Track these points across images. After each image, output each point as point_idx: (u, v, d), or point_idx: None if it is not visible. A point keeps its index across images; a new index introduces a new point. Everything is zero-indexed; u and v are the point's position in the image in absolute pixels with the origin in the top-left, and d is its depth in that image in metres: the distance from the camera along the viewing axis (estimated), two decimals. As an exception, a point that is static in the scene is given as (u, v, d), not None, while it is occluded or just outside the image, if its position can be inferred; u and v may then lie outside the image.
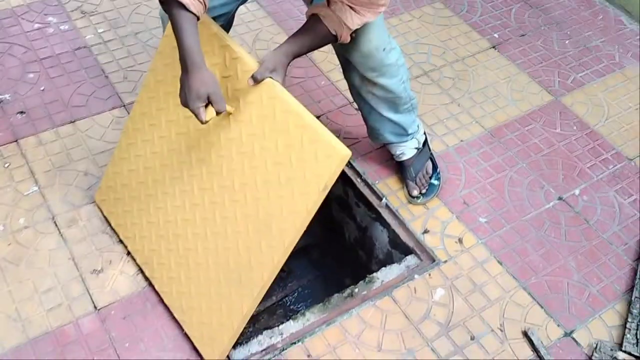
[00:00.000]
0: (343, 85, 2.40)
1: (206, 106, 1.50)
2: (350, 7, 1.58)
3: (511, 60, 2.60)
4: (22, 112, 2.18)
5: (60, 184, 2.00)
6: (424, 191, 2.06)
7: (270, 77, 1.55)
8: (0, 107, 2.19)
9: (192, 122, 1.67)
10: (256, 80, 1.54)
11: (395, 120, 1.97)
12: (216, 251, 1.65)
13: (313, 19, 1.64)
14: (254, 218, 1.58)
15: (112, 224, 1.90)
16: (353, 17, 1.60)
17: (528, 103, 2.43)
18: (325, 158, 1.45)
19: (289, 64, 1.61)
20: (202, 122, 1.51)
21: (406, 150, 2.07)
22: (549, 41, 2.70)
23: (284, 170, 1.52)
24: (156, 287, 1.78)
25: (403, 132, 2.02)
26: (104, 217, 1.93)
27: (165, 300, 1.75)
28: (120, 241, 1.87)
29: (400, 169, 2.11)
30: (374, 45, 1.75)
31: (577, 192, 2.15)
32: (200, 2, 1.49)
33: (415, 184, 2.06)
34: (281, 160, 1.53)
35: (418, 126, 2.07)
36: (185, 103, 1.50)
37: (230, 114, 1.60)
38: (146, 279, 1.80)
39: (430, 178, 2.08)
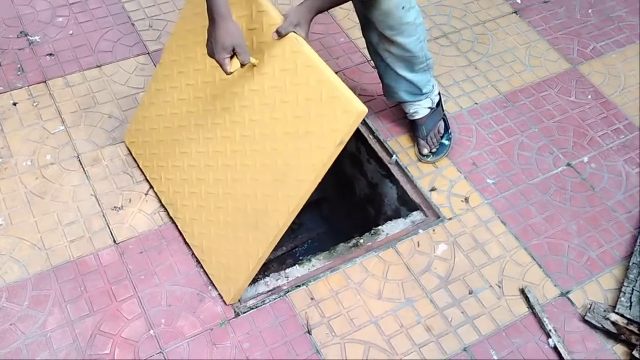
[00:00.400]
0: (361, 43, 2.44)
1: (231, 57, 1.56)
2: None
3: (532, 26, 2.61)
4: (51, 54, 2.27)
5: (85, 125, 2.09)
6: (434, 150, 2.12)
7: (294, 32, 1.60)
8: (30, 48, 2.27)
9: (218, 72, 1.73)
10: (280, 34, 1.59)
11: (411, 79, 2.01)
12: (236, 196, 1.73)
13: None
14: (272, 167, 1.65)
15: (140, 165, 1.99)
16: None
17: (545, 70, 2.45)
18: (343, 113, 1.50)
19: (312, 19, 1.65)
20: (226, 73, 1.57)
21: (419, 109, 2.11)
22: (572, 9, 2.70)
23: (303, 123, 1.57)
24: (179, 226, 1.87)
25: (417, 91, 2.06)
26: (133, 158, 2.02)
27: (187, 239, 1.84)
28: (140, 181, 1.96)
29: (412, 127, 2.16)
30: (394, 3, 1.78)
31: (585, 159, 2.19)
32: None
33: (426, 142, 2.11)
34: (301, 113, 1.58)
35: (433, 86, 2.11)
36: (211, 53, 1.56)
37: (254, 66, 1.65)
38: (169, 217, 1.89)
39: (442, 138, 2.13)
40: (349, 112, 1.49)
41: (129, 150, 2.03)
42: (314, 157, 1.55)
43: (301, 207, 1.62)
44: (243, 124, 1.72)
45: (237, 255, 1.73)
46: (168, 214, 1.90)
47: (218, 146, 1.78)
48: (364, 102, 2.20)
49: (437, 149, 2.12)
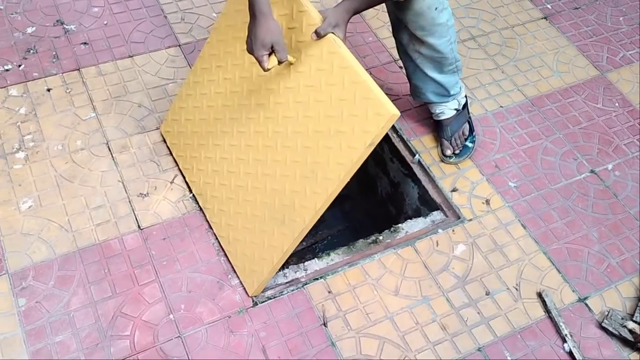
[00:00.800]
0: (389, 42, 2.46)
1: (269, 54, 1.59)
2: None
3: (561, 32, 2.60)
4: (85, 43, 2.32)
5: (115, 113, 2.14)
6: (457, 152, 2.12)
7: (333, 33, 1.63)
8: (66, 37, 2.34)
9: (255, 68, 1.77)
10: (319, 35, 1.62)
11: (439, 80, 2.02)
12: (264, 191, 1.77)
13: None
14: (302, 164, 1.68)
15: (174, 154, 2.03)
16: None
17: (573, 76, 2.44)
18: (375, 115, 1.52)
19: (349, 20, 1.69)
20: (264, 70, 1.60)
21: (446, 110, 2.12)
22: (603, 16, 2.68)
23: (335, 123, 1.60)
24: (207, 216, 1.91)
25: (445, 93, 2.07)
26: (166, 146, 2.06)
27: (215, 230, 1.88)
28: (166, 170, 2.01)
29: (437, 127, 2.17)
30: (427, 4, 1.79)
31: (610, 166, 2.18)
32: None
33: (450, 144, 2.12)
34: (333, 113, 1.61)
35: (460, 88, 2.11)
36: (250, 50, 1.60)
37: (291, 64, 1.69)
38: (192, 206, 1.93)
39: (466, 140, 2.14)
40: (381, 115, 1.52)
41: (164, 139, 2.08)
42: (343, 157, 1.59)
43: (328, 205, 1.65)
44: (276, 120, 1.75)
45: (262, 249, 1.76)
46: (192, 202, 1.94)
47: (250, 140, 1.81)
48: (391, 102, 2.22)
49: (460, 150, 2.13)
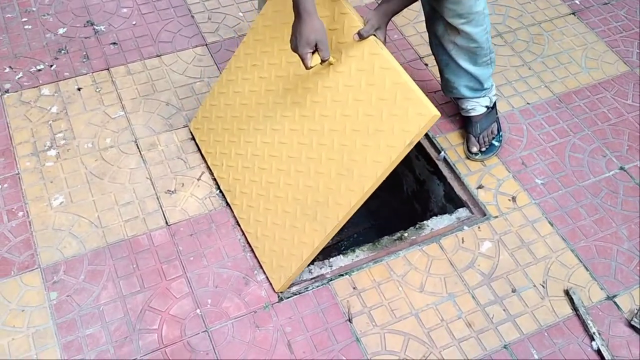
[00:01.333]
0: (414, 40, 2.46)
1: (313, 53, 1.63)
2: None
3: (590, 27, 2.56)
4: (114, 43, 2.37)
5: (144, 111, 2.18)
6: (483, 149, 2.11)
7: (374, 35, 1.66)
8: (96, 37, 2.38)
9: (292, 67, 1.81)
10: (362, 37, 1.66)
11: (473, 73, 2.01)
12: (297, 187, 1.79)
13: None
14: (338, 162, 1.70)
15: (203, 151, 2.06)
16: None
17: (602, 72, 2.41)
18: (416, 115, 1.56)
19: (388, 22, 1.72)
20: (306, 67, 1.64)
21: (477, 107, 2.11)
22: (633, 11, 2.64)
23: (374, 122, 1.63)
24: (235, 212, 1.93)
25: (478, 87, 2.06)
26: (194, 143, 2.09)
27: (242, 226, 1.90)
28: (193, 167, 2.04)
29: (465, 123, 2.16)
30: None
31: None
32: None
33: (478, 141, 2.11)
34: (373, 112, 1.64)
35: (492, 84, 2.10)
36: (295, 48, 1.64)
37: (331, 64, 1.72)
38: (219, 202, 1.96)
39: (493, 139, 2.13)
40: (422, 115, 1.55)
41: (193, 137, 2.11)
42: (381, 155, 1.61)
43: (362, 202, 1.67)
44: (312, 118, 1.78)
45: (291, 245, 1.78)
46: (219, 199, 1.97)
47: (284, 138, 1.84)
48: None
49: (487, 148, 2.12)
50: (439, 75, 2.32)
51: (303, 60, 1.63)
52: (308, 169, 1.76)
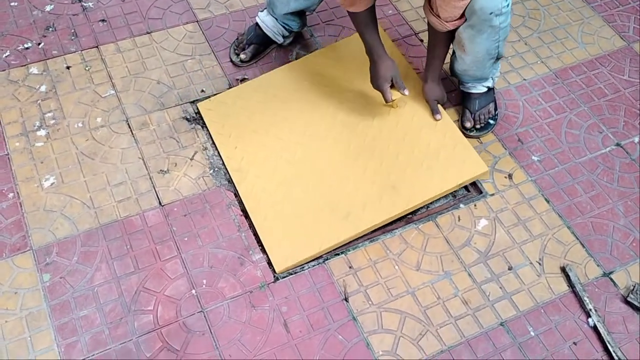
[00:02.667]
0: (409, 15, 2.42)
1: (391, 87, 1.92)
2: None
3: (586, 2, 2.53)
4: (103, 20, 2.32)
5: (134, 90, 2.14)
6: (478, 126, 2.09)
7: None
8: (84, 14, 2.33)
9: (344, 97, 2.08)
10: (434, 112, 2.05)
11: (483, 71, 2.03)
12: (329, 188, 1.90)
13: (430, 35, 1.93)
14: (384, 178, 1.91)
15: (211, 131, 2.04)
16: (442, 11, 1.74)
17: (598, 47, 2.38)
18: (471, 165, 1.91)
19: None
20: (387, 101, 1.92)
21: (478, 86, 2.09)
22: (630, -15, 2.61)
23: (429, 160, 1.93)
24: (240, 191, 1.91)
25: (485, 77, 2.06)
26: (204, 124, 2.06)
27: (246, 204, 1.88)
28: (186, 147, 2.01)
29: (463, 99, 2.13)
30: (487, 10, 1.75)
31: (636, 139, 2.13)
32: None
33: (473, 118, 2.09)
34: (429, 152, 1.94)
35: (498, 67, 2.08)
36: (376, 86, 1.93)
37: (398, 106, 2.03)
38: (213, 182, 1.93)
39: (490, 118, 2.11)
40: (476, 167, 1.92)
41: (185, 116, 2.08)
42: (433, 186, 1.89)
43: (404, 213, 1.88)
44: (363, 140, 1.99)
45: (308, 234, 1.82)
46: (212, 179, 1.94)
47: (324, 147, 1.98)
48: (410, 75, 2.17)
49: (482, 126, 2.10)
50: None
51: (384, 94, 1.91)
52: (347, 176, 1.92)
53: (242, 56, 2.19)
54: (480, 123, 2.10)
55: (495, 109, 2.13)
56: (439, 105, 2.07)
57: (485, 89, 2.09)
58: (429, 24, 1.87)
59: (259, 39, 2.20)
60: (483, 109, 2.10)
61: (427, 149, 1.95)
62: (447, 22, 1.78)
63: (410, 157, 1.93)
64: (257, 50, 2.21)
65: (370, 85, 1.97)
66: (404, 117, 2.00)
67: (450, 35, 1.89)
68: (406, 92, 1.90)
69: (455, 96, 2.18)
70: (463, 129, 2.09)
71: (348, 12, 1.86)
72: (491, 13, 1.74)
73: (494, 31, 1.81)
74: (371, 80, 1.94)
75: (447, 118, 2.02)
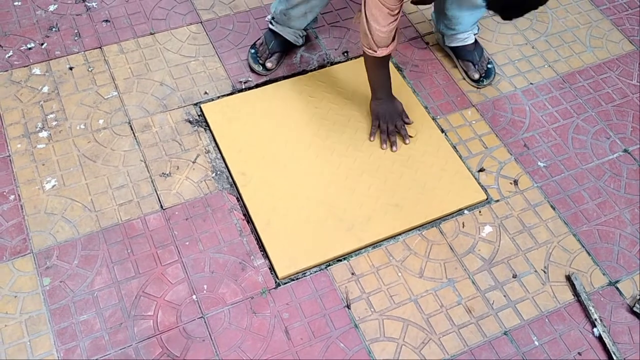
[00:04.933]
0: (415, 17, 2.40)
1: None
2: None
3: (595, 5, 2.50)
4: (107, 21, 2.30)
5: (137, 91, 2.12)
6: (483, 74, 2.18)
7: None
8: (88, 15, 2.32)
9: (349, 114, 2.10)
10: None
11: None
12: (335, 198, 1.91)
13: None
14: (387, 196, 1.92)
15: (215, 133, 2.02)
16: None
17: (606, 51, 2.35)
18: (471, 192, 1.95)
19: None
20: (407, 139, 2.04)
21: (471, 35, 2.19)
22: (639, -12, 2.57)
23: (431, 182, 1.96)
24: (243, 194, 1.89)
25: (480, 13, 2.11)
26: (206, 127, 2.05)
27: (249, 208, 1.87)
28: (188, 150, 1.99)
29: (461, 55, 2.21)
30: None
31: (644, 146, 2.11)
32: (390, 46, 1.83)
33: (477, 68, 2.18)
34: (431, 175, 1.97)
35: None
36: (386, 121, 2.03)
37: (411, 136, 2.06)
38: (215, 186, 1.92)
39: (488, 63, 2.23)
40: (475, 195, 1.95)
41: (188, 118, 2.06)
42: (434, 206, 1.91)
43: (407, 230, 1.88)
44: (367, 157, 2.00)
45: (312, 241, 1.82)
46: (214, 182, 1.92)
47: (330, 160, 1.99)
48: (416, 79, 2.18)
49: (486, 72, 2.19)
50: (439, 52, 2.27)
51: (377, 131, 2.04)
52: (352, 190, 1.93)
53: (269, 64, 2.17)
54: (483, 70, 2.19)
55: (488, 55, 2.26)
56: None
57: (474, 37, 2.20)
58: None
59: (283, 46, 2.19)
60: (482, 56, 2.22)
61: (429, 171, 1.97)
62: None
63: (413, 178, 1.96)
64: (281, 57, 2.21)
65: None
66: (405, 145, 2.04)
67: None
68: (407, 140, 2.03)
69: (460, 99, 2.15)
70: (473, 82, 2.19)
71: (368, 55, 1.85)
72: None
73: None
74: (379, 121, 2.03)
75: (447, 146, 2.03)
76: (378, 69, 1.93)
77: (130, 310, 1.68)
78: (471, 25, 2.16)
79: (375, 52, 1.81)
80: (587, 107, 2.19)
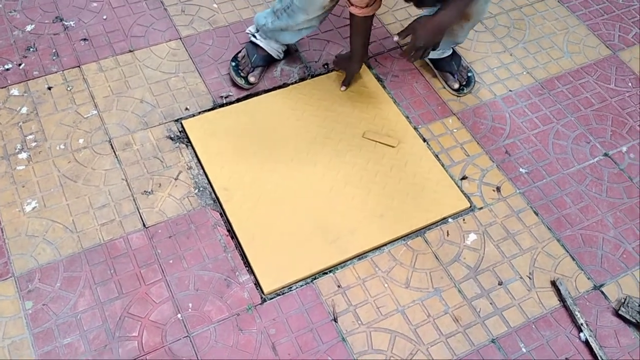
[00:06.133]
0: (394, 28, 2.41)
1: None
2: None
3: (571, 11, 2.53)
4: (85, 39, 2.29)
5: (117, 109, 2.11)
6: (464, 83, 2.20)
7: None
8: (65, 33, 2.30)
9: (332, 126, 2.10)
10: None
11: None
12: (319, 212, 1.90)
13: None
14: (372, 207, 1.91)
15: (197, 149, 2.01)
16: None
17: (584, 56, 2.38)
18: (454, 200, 1.94)
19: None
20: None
21: (447, 50, 2.20)
22: (614, -7, 2.61)
23: (414, 191, 1.96)
24: (227, 210, 1.89)
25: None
26: (188, 143, 2.04)
27: (233, 224, 1.86)
28: (170, 166, 1.98)
29: (439, 67, 2.23)
30: None
31: (624, 149, 2.12)
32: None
33: (456, 77, 2.19)
34: (414, 185, 1.97)
35: None
36: (335, 64, 2.21)
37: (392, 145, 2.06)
38: (198, 203, 1.91)
39: (468, 72, 2.24)
40: (459, 203, 1.94)
41: (169, 135, 2.05)
42: (418, 216, 1.90)
43: (392, 240, 1.87)
44: (351, 168, 2.00)
45: (296, 256, 1.81)
46: (197, 199, 1.91)
47: (315, 173, 1.98)
48: (396, 89, 2.18)
49: (466, 81, 2.21)
50: (419, 62, 2.28)
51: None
52: (336, 201, 1.92)
53: (252, 79, 2.17)
54: (464, 79, 2.21)
55: (467, 64, 2.28)
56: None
57: (451, 51, 2.21)
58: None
59: (264, 61, 2.20)
60: (460, 67, 2.22)
61: (412, 181, 1.98)
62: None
63: (396, 188, 1.96)
64: (263, 70, 2.21)
65: (358, 117, 2.11)
66: (389, 151, 2.03)
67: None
68: (342, 88, 2.17)
69: (441, 109, 2.17)
70: (453, 91, 2.21)
71: (352, 14, 1.91)
72: None
73: None
74: (335, 61, 2.21)
75: (429, 155, 2.04)
76: (353, 28, 2.01)
77: (115, 331, 1.66)
78: (447, 47, 2.18)
79: (353, 10, 1.86)
80: (567, 112, 2.21)
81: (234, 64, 2.19)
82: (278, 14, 2.05)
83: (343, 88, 2.16)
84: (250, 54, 2.18)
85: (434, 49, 1.86)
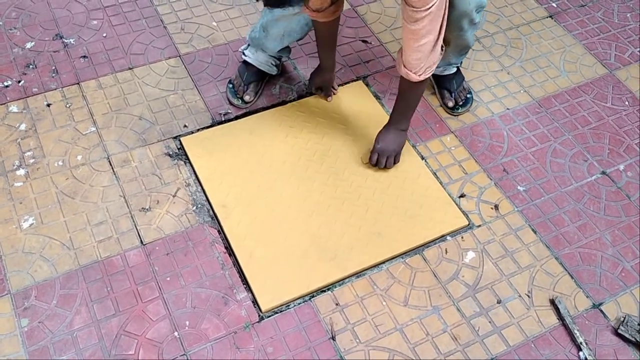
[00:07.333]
0: (392, 47, 2.42)
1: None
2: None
3: (568, 30, 2.55)
4: (84, 57, 2.30)
5: (116, 127, 2.11)
6: (460, 103, 2.21)
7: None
8: (65, 51, 2.31)
9: (328, 142, 2.11)
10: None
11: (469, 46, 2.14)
12: (317, 229, 1.90)
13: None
14: (370, 224, 1.92)
15: (195, 166, 2.01)
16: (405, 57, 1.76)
17: (580, 75, 2.39)
18: (452, 218, 1.95)
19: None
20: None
21: (451, 67, 2.21)
22: (610, 13, 2.63)
23: (412, 209, 1.96)
24: (225, 227, 1.88)
25: (465, 52, 2.16)
26: (186, 160, 2.03)
27: (231, 241, 1.86)
28: (168, 183, 1.98)
29: (438, 84, 2.25)
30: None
31: (621, 167, 2.13)
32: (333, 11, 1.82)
33: (453, 97, 2.20)
34: (412, 202, 1.97)
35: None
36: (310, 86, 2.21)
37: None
38: (196, 220, 1.90)
39: (468, 93, 2.24)
40: (457, 221, 1.95)
41: (168, 152, 2.05)
42: (416, 233, 1.91)
43: (391, 258, 1.87)
44: (348, 186, 2.00)
45: (295, 273, 1.80)
46: (195, 216, 1.91)
47: (312, 189, 1.98)
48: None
49: (464, 101, 2.22)
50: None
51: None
52: (334, 219, 1.92)
53: (247, 97, 2.18)
54: (462, 99, 2.21)
55: (468, 85, 2.27)
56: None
57: (455, 69, 2.22)
58: (401, 79, 1.87)
59: (256, 77, 2.20)
60: (460, 87, 2.22)
61: (410, 198, 1.98)
62: (416, 73, 1.78)
63: (394, 205, 1.96)
64: (257, 87, 2.21)
65: (356, 135, 2.12)
66: (387, 171, 2.05)
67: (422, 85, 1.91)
68: (329, 99, 2.20)
69: (438, 126, 2.17)
70: (447, 109, 2.22)
71: (314, 21, 1.92)
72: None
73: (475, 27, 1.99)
74: (310, 80, 2.21)
75: (427, 173, 2.04)
76: (315, 34, 2.03)
77: (111, 349, 1.65)
78: (456, 61, 2.19)
79: (305, 12, 1.81)
80: (564, 130, 2.22)
81: (230, 86, 2.21)
82: (262, 14, 2.10)
83: (330, 99, 2.20)
84: (241, 73, 2.20)
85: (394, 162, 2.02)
